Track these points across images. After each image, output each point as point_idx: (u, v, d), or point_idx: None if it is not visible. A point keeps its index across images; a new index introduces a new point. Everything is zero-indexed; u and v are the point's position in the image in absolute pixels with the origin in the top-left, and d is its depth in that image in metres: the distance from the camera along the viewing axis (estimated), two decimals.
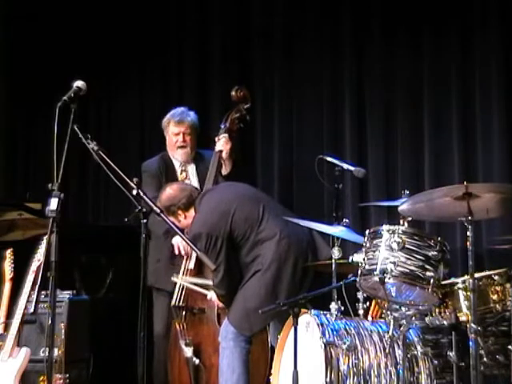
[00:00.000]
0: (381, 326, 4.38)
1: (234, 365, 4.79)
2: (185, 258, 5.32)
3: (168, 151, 5.63)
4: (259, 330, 4.91)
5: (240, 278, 4.89)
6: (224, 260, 4.79)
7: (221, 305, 5.07)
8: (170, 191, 5.03)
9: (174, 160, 5.62)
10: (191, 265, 5.28)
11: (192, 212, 4.97)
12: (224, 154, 5.45)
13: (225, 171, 5.50)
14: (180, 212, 4.97)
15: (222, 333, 4.87)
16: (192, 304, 5.28)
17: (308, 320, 4.38)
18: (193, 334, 5.23)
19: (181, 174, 5.60)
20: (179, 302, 5.27)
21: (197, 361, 5.16)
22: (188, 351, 5.17)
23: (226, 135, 5.49)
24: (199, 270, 5.26)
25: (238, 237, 4.85)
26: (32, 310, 4.35)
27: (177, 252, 5.32)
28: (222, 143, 5.47)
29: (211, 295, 5.09)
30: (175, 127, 5.53)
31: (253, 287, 4.82)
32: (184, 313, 5.27)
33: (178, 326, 5.25)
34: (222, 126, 5.56)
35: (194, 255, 5.26)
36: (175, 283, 5.30)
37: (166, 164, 5.57)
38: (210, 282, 5.08)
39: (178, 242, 5.31)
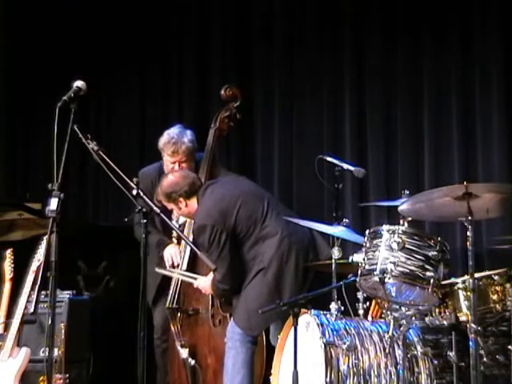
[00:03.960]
0: (381, 326, 4.37)
1: (239, 365, 4.80)
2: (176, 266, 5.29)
3: (164, 170, 5.39)
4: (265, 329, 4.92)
5: (242, 273, 4.89)
6: (227, 255, 4.79)
7: (209, 291, 5.01)
8: (171, 178, 4.99)
9: None
10: (184, 267, 5.26)
11: (194, 201, 4.94)
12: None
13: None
14: (181, 199, 4.93)
15: (228, 333, 4.86)
16: (187, 305, 5.26)
17: (308, 320, 4.38)
18: (188, 335, 5.22)
19: None
20: (173, 303, 5.26)
21: (192, 362, 5.15)
22: (184, 352, 5.16)
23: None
24: (191, 271, 5.25)
25: (240, 233, 4.85)
26: (32, 310, 4.36)
27: (168, 264, 5.28)
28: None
29: (198, 283, 5.05)
30: (169, 157, 5.27)
31: (255, 287, 4.82)
32: (179, 314, 5.26)
33: (173, 328, 5.24)
34: (212, 126, 5.49)
35: (185, 259, 5.25)
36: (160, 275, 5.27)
37: (161, 177, 5.30)
38: (191, 280, 5.08)
39: (170, 253, 5.29)
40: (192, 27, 6.80)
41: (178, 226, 5.06)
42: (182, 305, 5.27)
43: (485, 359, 4.21)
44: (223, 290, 4.92)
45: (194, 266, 5.21)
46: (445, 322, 4.31)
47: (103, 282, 6.03)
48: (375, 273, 4.06)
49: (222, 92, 5.54)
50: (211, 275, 4.94)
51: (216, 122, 5.51)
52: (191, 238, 5.01)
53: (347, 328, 4.32)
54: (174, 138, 5.24)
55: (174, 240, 5.34)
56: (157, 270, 5.24)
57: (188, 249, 5.22)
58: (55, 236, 3.56)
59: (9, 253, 4.92)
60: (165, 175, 5.09)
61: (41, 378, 4.84)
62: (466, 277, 4.21)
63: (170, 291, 5.27)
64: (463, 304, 4.29)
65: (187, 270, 5.23)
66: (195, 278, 5.10)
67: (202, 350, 5.19)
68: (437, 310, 4.37)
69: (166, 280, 5.32)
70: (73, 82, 3.86)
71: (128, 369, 4.16)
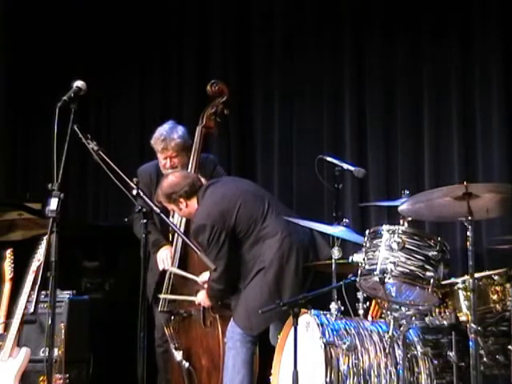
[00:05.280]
0: (381, 326, 4.37)
1: (239, 366, 4.79)
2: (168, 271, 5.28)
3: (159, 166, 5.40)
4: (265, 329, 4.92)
5: (238, 274, 4.89)
6: (225, 255, 4.79)
7: (207, 303, 5.01)
8: (172, 178, 4.99)
9: None
10: (174, 270, 5.25)
11: (194, 201, 4.94)
12: None
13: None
14: (182, 200, 4.93)
15: (228, 333, 4.86)
16: (178, 308, 5.25)
17: (308, 320, 4.37)
18: (184, 337, 5.21)
19: None
20: (165, 306, 5.25)
21: (186, 364, 5.14)
22: (178, 355, 5.14)
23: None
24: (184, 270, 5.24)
25: (240, 232, 4.85)
26: (32, 310, 4.36)
27: (161, 267, 5.26)
28: None
29: (198, 299, 5.06)
30: (160, 153, 5.28)
31: (256, 286, 4.82)
32: (172, 317, 5.25)
33: (167, 331, 5.23)
34: (199, 124, 5.42)
35: (175, 262, 5.24)
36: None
37: (159, 174, 5.33)
38: (192, 298, 5.09)
39: (161, 257, 5.27)
40: (192, 27, 6.81)
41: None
42: (174, 308, 5.26)
43: (485, 359, 4.21)
44: (218, 290, 4.91)
45: (184, 266, 5.20)
46: (445, 322, 4.31)
47: (106, 284, 6.04)
48: (375, 273, 4.06)
49: (208, 88, 5.48)
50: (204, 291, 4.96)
51: (202, 119, 5.44)
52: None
53: (347, 328, 4.32)
54: (163, 135, 5.27)
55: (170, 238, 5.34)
56: (160, 295, 5.25)
57: (179, 250, 5.23)
58: (55, 236, 3.56)
59: (9, 253, 4.93)
60: (165, 176, 5.10)
61: (41, 378, 4.84)
62: (466, 277, 4.21)
63: (161, 296, 5.26)
64: (463, 304, 4.29)
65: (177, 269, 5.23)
66: (195, 296, 5.10)
67: (196, 351, 5.18)
68: (437, 310, 4.37)
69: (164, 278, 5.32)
70: (73, 82, 3.86)
71: (128, 369, 4.17)
